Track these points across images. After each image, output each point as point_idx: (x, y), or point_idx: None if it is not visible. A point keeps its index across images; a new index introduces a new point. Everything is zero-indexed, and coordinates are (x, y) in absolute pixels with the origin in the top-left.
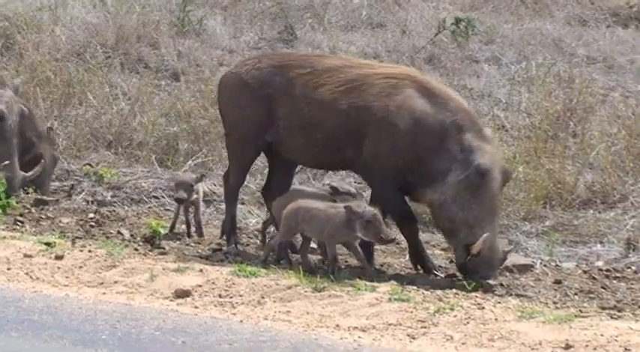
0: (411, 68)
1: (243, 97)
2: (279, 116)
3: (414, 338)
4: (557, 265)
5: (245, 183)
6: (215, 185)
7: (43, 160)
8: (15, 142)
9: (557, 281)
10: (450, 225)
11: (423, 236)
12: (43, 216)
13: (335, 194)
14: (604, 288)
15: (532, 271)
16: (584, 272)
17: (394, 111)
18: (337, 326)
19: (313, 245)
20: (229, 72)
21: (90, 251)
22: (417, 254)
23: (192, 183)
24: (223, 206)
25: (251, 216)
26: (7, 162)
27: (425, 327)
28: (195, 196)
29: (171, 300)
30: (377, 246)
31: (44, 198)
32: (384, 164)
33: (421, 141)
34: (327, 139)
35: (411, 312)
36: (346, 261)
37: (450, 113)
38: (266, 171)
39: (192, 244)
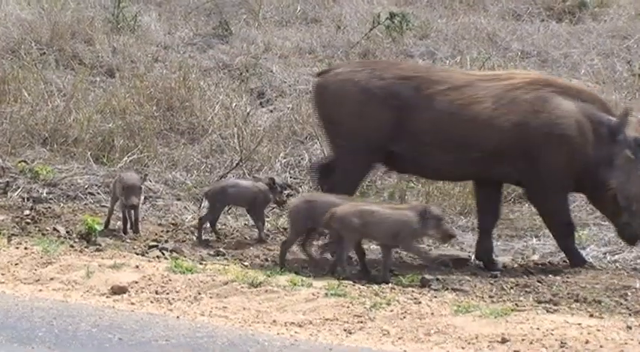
0: (534, 71)
1: (366, 107)
2: (415, 131)
3: (350, 333)
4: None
5: (182, 179)
6: (151, 181)
7: None
8: None
9: (494, 276)
10: (626, 203)
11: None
12: None
13: (273, 185)
14: (540, 282)
15: (468, 265)
16: (520, 266)
17: (558, 121)
18: (274, 321)
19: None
20: (338, 79)
21: (26, 248)
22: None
23: (141, 185)
24: (159, 202)
25: (187, 212)
26: None
27: (361, 322)
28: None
29: (107, 297)
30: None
31: None
32: (563, 174)
33: (588, 140)
34: (485, 157)
35: (348, 307)
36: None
37: (589, 102)
38: (202, 167)
39: (129, 241)
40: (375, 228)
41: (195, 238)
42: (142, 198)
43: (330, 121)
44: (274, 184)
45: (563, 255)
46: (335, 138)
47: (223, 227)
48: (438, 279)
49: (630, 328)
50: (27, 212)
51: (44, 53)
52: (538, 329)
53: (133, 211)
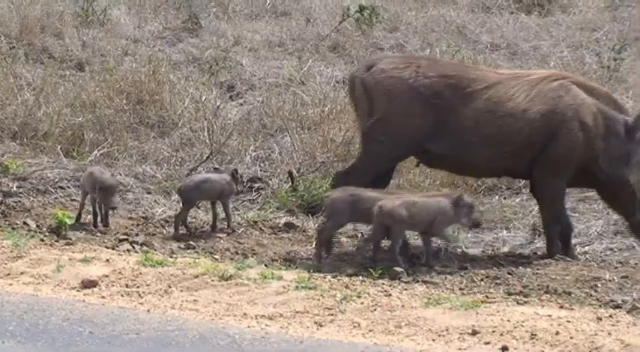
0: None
1: (413, 105)
2: (456, 129)
3: (321, 326)
4: (462, 251)
5: (152, 172)
6: (121, 175)
7: None
8: None
9: (463, 268)
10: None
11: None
12: None
13: (236, 176)
14: (510, 274)
15: (438, 257)
16: (490, 258)
17: (579, 108)
18: (245, 314)
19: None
20: (386, 75)
21: None
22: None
23: (117, 184)
24: (129, 195)
25: (157, 206)
26: None
27: (332, 315)
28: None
29: (78, 291)
30: (284, 235)
31: None
32: (571, 160)
33: (599, 134)
34: (516, 149)
35: (318, 300)
36: (253, 250)
37: (603, 99)
38: (173, 160)
39: (99, 234)
40: (419, 218)
41: (165, 232)
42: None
43: (373, 116)
44: (237, 174)
45: (533, 247)
46: (374, 132)
47: (193, 220)
48: (408, 272)
49: (600, 319)
50: None
51: (13, 47)
52: (508, 320)
53: (102, 205)
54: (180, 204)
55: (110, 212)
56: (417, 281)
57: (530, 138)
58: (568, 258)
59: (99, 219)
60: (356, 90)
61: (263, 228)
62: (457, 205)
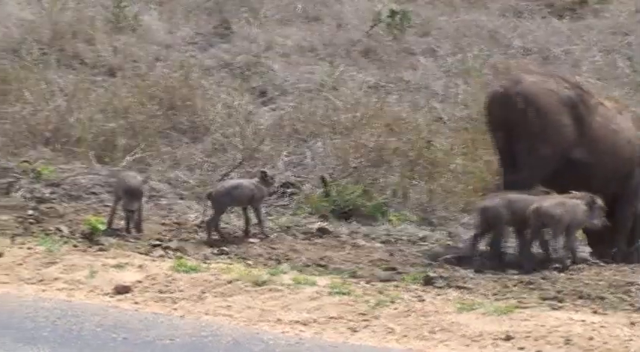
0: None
1: (564, 116)
2: (591, 139)
3: (355, 331)
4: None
5: (185, 178)
6: (154, 180)
7: None
8: None
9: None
10: None
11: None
12: None
13: (265, 178)
14: (544, 279)
15: (471, 263)
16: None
17: None
18: (278, 320)
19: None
20: (538, 88)
21: (29, 248)
22: None
23: (142, 189)
24: (162, 201)
25: (190, 211)
26: None
27: (366, 320)
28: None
29: (111, 296)
30: (317, 240)
31: None
32: None
33: None
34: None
35: (352, 305)
36: (286, 255)
37: None
38: (205, 166)
39: (132, 240)
40: (567, 218)
41: (198, 237)
42: (144, 197)
43: (526, 129)
44: (266, 176)
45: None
46: (530, 143)
47: (226, 226)
48: (442, 277)
49: (634, 324)
50: (30, 212)
51: (45, 53)
52: (542, 326)
53: (135, 212)
54: (211, 210)
55: (130, 215)
56: (451, 287)
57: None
58: (602, 263)
59: (131, 224)
60: (511, 105)
61: (296, 233)
62: (591, 207)
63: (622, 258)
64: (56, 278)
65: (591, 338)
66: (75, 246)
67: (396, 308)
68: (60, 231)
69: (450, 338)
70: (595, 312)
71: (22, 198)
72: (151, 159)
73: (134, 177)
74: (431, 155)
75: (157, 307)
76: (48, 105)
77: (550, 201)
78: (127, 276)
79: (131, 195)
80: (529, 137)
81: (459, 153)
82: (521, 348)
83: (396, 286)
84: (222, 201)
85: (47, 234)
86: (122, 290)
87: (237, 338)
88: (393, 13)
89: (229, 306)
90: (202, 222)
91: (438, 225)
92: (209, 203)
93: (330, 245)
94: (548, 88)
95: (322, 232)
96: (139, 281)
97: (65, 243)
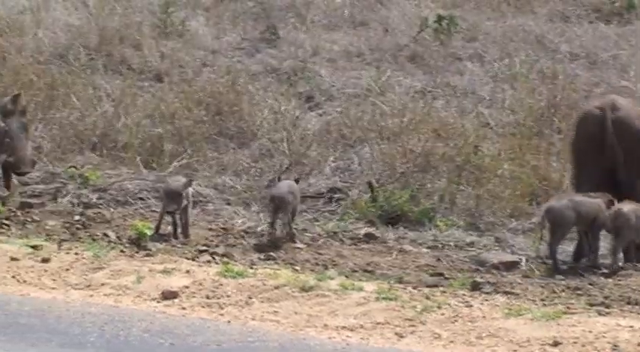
0: None
1: None
2: None
3: (402, 337)
4: (543, 262)
5: (232, 183)
6: (200, 186)
7: None
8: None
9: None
10: None
11: (409, 234)
12: (28, 219)
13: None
14: (591, 285)
15: (519, 268)
16: (571, 268)
17: None
18: (325, 325)
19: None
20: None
21: (76, 253)
22: None
23: (182, 191)
24: (209, 207)
25: (237, 217)
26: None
27: (413, 326)
28: (184, 202)
29: (158, 302)
30: (364, 246)
31: (29, 201)
32: None
33: None
34: None
35: (399, 311)
36: (333, 261)
37: None
38: (252, 171)
39: (179, 245)
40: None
41: (245, 243)
42: (190, 202)
43: (629, 152)
44: (298, 183)
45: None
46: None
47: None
48: (489, 283)
49: None
50: (77, 217)
51: (92, 58)
52: (590, 332)
53: (182, 216)
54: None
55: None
56: (498, 292)
57: None
58: None
59: (179, 230)
60: (607, 129)
61: (343, 238)
62: None
63: None
64: (103, 284)
65: (639, 344)
66: (122, 251)
67: (443, 314)
68: (107, 236)
69: (497, 343)
70: None
71: (69, 204)
72: (197, 165)
73: (176, 180)
74: (478, 160)
75: (203, 312)
76: (95, 110)
77: (629, 207)
78: (174, 282)
79: (170, 196)
80: (630, 161)
81: (507, 158)
82: None
83: (443, 291)
84: (288, 201)
85: (94, 240)
86: (169, 295)
87: (283, 344)
88: (440, 18)
89: (276, 312)
90: (272, 224)
91: (485, 231)
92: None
93: (377, 250)
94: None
95: (369, 238)
96: (186, 287)
97: (112, 248)
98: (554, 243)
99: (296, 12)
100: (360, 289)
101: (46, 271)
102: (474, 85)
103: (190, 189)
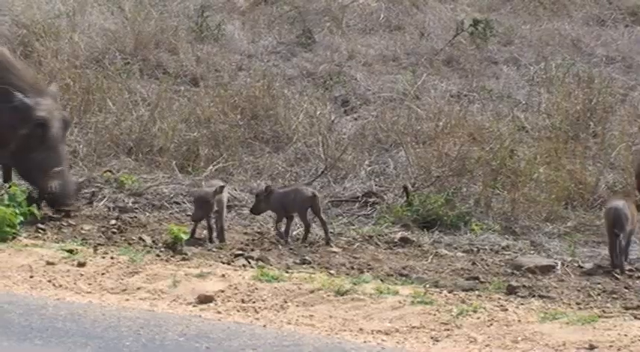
0: None
1: None
2: None
3: (437, 341)
4: (579, 266)
5: None
6: (236, 190)
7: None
8: (63, 149)
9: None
10: None
11: (444, 238)
12: (64, 224)
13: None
14: (627, 288)
15: (554, 272)
16: (607, 272)
17: None
18: (361, 329)
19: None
20: None
21: (112, 257)
22: None
23: (210, 199)
24: (245, 211)
25: (272, 221)
26: (58, 169)
27: (448, 330)
28: (215, 208)
29: (194, 306)
30: (399, 249)
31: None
32: None
33: None
34: None
35: (434, 315)
36: (368, 265)
37: None
38: (288, 175)
39: (214, 249)
40: None
41: (280, 247)
42: (224, 207)
43: None
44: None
45: None
46: None
47: (309, 235)
48: (524, 286)
49: None
50: (113, 221)
51: (128, 63)
52: (626, 335)
53: (217, 220)
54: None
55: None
56: (534, 296)
57: None
58: None
59: (214, 234)
60: None
61: (378, 242)
62: None
63: None
64: (139, 288)
65: None
66: (157, 255)
67: (478, 318)
68: (143, 240)
69: (532, 347)
70: None
71: (105, 208)
72: (233, 169)
73: (209, 186)
74: (514, 164)
75: (239, 316)
76: (131, 114)
77: None
78: (210, 286)
79: (198, 204)
80: None
81: (542, 162)
82: None
83: (479, 295)
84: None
85: (130, 244)
86: (205, 299)
87: (319, 348)
88: (476, 22)
89: (311, 316)
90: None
91: (520, 235)
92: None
93: (413, 254)
94: None
95: (404, 241)
96: (222, 291)
97: (148, 252)
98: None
99: (332, 16)
100: (396, 293)
101: (81, 275)
102: (509, 89)
103: (225, 194)
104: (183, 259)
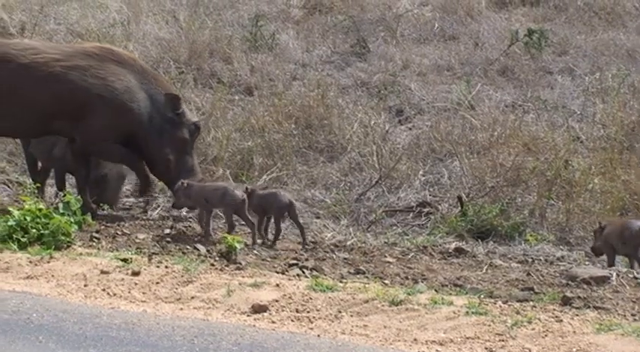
0: None
1: None
2: None
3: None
4: (634, 277)
5: (321, 197)
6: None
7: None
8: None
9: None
10: None
11: (499, 249)
12: (119, 232)
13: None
14: None
15: (609, 283)
16: None
17: None
18: (415, 340)
19: None
20: None
21: (166, 266)
22: None
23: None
24: (299, 220)
25: (326, 230)
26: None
27: (503, 340)
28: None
29: (248, 315)
30: (454, 260)
31: (120, 214)
32: None
33: None
34: None
35: (489, 325)
36: (423, 275)
37: None
38: (342, 185)
39: (269, 259)
40: None
41: (335, 256)
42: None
43: None
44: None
45: None
46: None
47: (363, 244)
48: (579, 297)
49: None
50: (167, 230)
51: (183, 72)
52: None
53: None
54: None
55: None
56: (589, 307)
57: None
58: None
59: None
60: None
61: (433, 253)
62: None
63: None
64: (193, 297)
65: None
66: (212, 264)
67: (533, 329)
68: (197, 249)
69: None
70: None
71: (159, 217)
72: (287, 178)
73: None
74: (568, 175)
75: (293, 326)
76: None
77: None
78: (264, 295)
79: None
80: None
81: (597, 172)
82: None
83: (534, 306)
84: None
85: (184, 253)
86: (259, 309)
87: None
88: (530, 32)
89: (366, 326)
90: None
91: (575, 245)
92: None
93: (467, 264)
94: None
95: (459, 252)
96: (276, 301)
97: (202, 261)
98: None
99: (386, 25)
100: (450, 303)
101: (136, 284)
102: (564, 99)
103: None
104: (238, 268)
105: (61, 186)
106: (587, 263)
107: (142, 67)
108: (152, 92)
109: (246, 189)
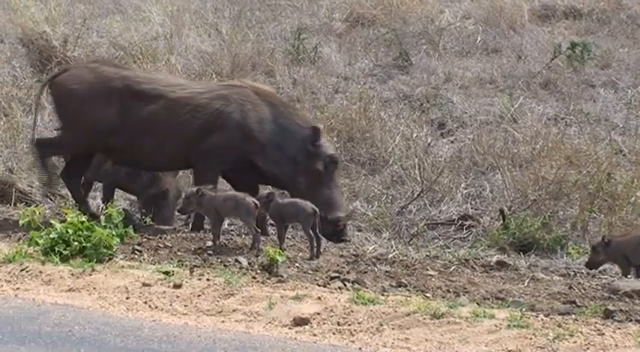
0: None
1: None
2: None
3: None
4: None
5: (363, 210)
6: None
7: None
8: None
9: None
10: None
11: (541, 262)
12: (160, 245)
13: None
14: None
15: None
16: None
17: None
18: None
19: None
20: None
21: (208, 279)
22: None
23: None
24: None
25: (368, 243)
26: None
27: None
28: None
29: (289, 328)
30: (495, 273)
31: (162, 227)
32: None
33: None
34: None
35: (531, 339)
36: (464, 288)
37: None
38: (384, 198)
39: (310, 272)
40: None
41: (376, 269)
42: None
43: None
44: None
45: None
46: None
47: (405, 258)
48: (621, 310)
49: None
50: (209, 243)
51: None
52: None
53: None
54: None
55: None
56: (631, 320)
57: None
58: None
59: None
60: None
61: (474, 266)
62: None
63: None
64: (234, 310)
65: None
66: (253, 277)
67: (575, 342)
68: (239, 262)
69: None
70: None
71: (201, 230)
72: None
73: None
74: (611, 188)
75: (334, 339)
76: None
77: None
78: (305, 308)
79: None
80: None
81: None
82: None
83: (575, 319)
84: None
85: (226, 266)
86: (300, 322)
87: None
88: (573, 45)
89: (407, 339)
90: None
91: None
92: None
93: (509, 278)
94: None
95: (501, 265)
96: (317, 313)
97: (244, 274)
98: None
99: (428, 38)
100: (492, 316)
101: (177, 297)
102: (607, 112)
103: None
104: (279, 281)
105: (107, 200)
106: (629, 276)
107: (280, 100)
108: (287, 124)
109: (268, 194)
